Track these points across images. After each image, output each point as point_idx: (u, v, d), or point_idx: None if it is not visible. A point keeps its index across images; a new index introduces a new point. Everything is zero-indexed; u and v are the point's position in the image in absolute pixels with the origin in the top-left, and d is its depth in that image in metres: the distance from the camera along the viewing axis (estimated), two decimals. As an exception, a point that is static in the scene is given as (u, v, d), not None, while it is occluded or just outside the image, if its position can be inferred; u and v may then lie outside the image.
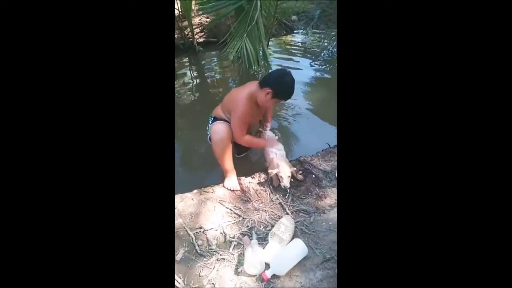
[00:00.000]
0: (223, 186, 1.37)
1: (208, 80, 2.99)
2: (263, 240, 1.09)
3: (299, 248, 0.99)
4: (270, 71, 1.37)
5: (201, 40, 3.50)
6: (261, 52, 2.18)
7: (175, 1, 3.04)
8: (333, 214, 1.17)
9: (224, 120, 1.37)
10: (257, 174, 1.46)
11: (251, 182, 1.41)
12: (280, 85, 1.23)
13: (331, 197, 1.27)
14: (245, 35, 1.83)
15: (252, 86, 1.30)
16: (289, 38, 4.21)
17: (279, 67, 2.76)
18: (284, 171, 1.28)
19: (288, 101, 2.31)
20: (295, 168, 1.35)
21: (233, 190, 1.35)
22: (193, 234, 1.12)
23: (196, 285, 0.95)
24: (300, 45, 3.96)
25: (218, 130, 1.31)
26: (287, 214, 1.19)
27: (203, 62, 3.27)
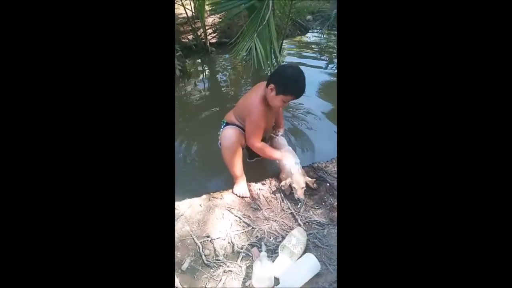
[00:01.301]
0: (232, 192, 1.33)
1: (221, 81, 2.96)
2: (272, 253, 1.03)
3: (311, 264, 0.93)
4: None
5: (214, 41, 3.48)
6: (273, 53, 2.12)
7: (190, 2, 3.03)
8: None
9: (236, 125, 1.32)
10: (268, 181, 1.40)
11: (262, 189, 1.35)
12: (282, 78, 1.15)
13: (346, 208, 1.19)
14: (255, 35, 1.78)
15: (261, 88, 1.24)
16: (303, 38, 4.12)
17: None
18: (297, 181, 1.22)
19: (302, 102, 2.28)
20: (309, 178, 1.27)
21: (242, 197, 1.30)
22: (200, 243, 1.08)
23: (202, 299, 0.90)
24: (315, 46, 3.86)
25: (227, 135, 1.26)
26: (299, 225, 1.13)
27: (216, 68, 3.25)
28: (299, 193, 1.21)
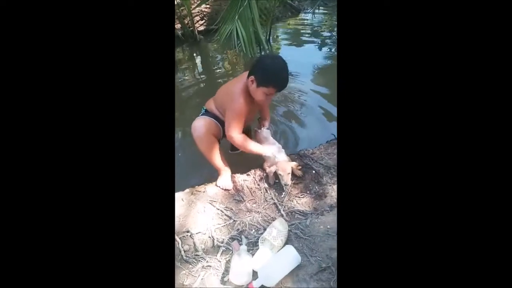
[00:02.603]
0: (216, 184, 1.28)
1: (212, 68, 2.86)
2: (254, 245, 0.99)
3: (290, 256, 0.88)
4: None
5: (201, 28, 3.36)
6: (264, 36, 2.01)
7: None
8: (332, 216, 1.04)
9: (216, 115, 1.25)
10: (253, 171, 1.35)
11: (246, 180, 1.30)
12: (262, 69, 1.07)
13: (331, 196, 1.14)
14: (236, 17, 1.67)
15: (244, 77, 1.17)
16: (295, 20, 3.96)
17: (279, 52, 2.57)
18: (283, 167, 1.17)
19: (293, 87, 2.20)
20: (294, 163, 1.22)
21: (226, 189, 1.26)
22: (180, 238, 1.05)
23: (179, 296, 0.88)
24: (307, 27, 3.71)
25: (196, 126, 1.20)
26: (282, 215, 1.09)
27: (208, 55, 3.14)
28: (286, 179, 1.17)
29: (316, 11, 3.35)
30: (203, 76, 2.73)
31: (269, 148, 1.25)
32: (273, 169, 1.19)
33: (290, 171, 1.18)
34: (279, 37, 3.43)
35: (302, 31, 3.65)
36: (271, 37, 3.03)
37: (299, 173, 1.26)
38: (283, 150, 1.26)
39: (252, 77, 1.09)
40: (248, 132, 1.49)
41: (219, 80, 2.56)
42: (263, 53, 2.38)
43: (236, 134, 1.17)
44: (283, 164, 1.18)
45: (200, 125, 1.19)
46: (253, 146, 1.24)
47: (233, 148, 1.57)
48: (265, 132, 1.39)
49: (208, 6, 3.40)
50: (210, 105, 1.30)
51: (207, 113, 1.28)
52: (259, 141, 1.37)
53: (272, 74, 1.07)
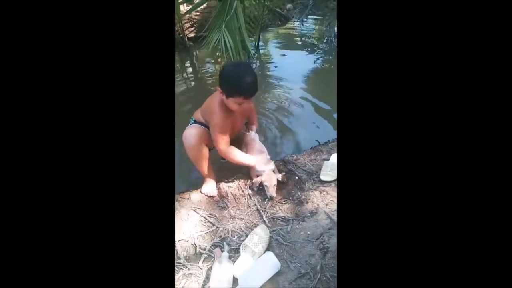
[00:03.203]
0: (200, 191, 1.29)
1: (202, 75, 2.88)
2: (236, 252, 1.00)
3: (270, 263, 0.90)
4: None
5: (191, 35, 3.38)
6: (252, 44, 2.05)
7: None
8: (312, 222, 1.06)
9: (204, 124, 1.25)
10: (238, 178, 1.36)
11: (230, 187, 1.31)
12: (224, 79, 1.06)
13: (313, 202, 1.16)
14: (223, 26, 1.70)
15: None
16: (284, 28, 4.03)
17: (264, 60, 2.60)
18: (269, 179, 1.18)
19: (281, 94, 2.23)
20: (280, 175, 1.23)
21: (210, 196, 1.26)
22: (162, 246, 1.04)
23: (159, 305, 0.87)
24: (296, 35, 3.78)
25: (188, 135, 1.20)
26: (264, 222, 1.10)
27: (198, 61, 3.16)
28: (271, 191, 1.18)
29: (305, 19, 3.42)
30: (193, 82, 2.75)
31: (258, 159, 1.25)
32: (259, 179, 1.20)
33: (275, 183, 1.19)
34: (269, 44, 3.49)
35: (291, 38, 3.73)
36: (259, 45, 3.07)
37: (284, 180, 1.27)
38: (271, 161, 1.27)
39: (219, 89, 1.10)
40: (239, 139, 1.50)
41: (209, 83, 2.58)
42: (251, 60, 2.41)
43: (223, 148, 1.18)
44: (269, 175, 1.19)
45: (192, 134, 1.19)
46: (242, 158, 1.24)
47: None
48: (252, 134, 1.41)
49: (198, 13, 3.43)
50: (198, 115, 1.30)
51: (196, 123, 1.28)
52: (247, 143, 1.38)
53: (236, 83, 1.03)
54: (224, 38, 1.72)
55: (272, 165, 1.24)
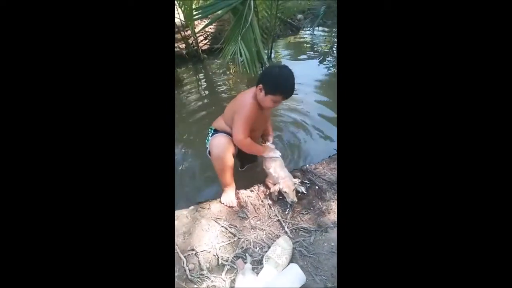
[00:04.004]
0: (220, 201, 1.29)
1: (216, 88, 2.93)
2: (258, 264, 0.99)
3: (295, 275, 0.88)
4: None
5: (205, 47, 3.48)
6: (266, 54, 2.08)
7: (176, 10, 3.04)
8: (336, 233, 1.04)
9: (226, 132, 1.27)
10: (257, 187, 1.36)
11: (250, 196, 1.31)
12: (269, 78, 1.13)
13: (335, 212, 1.14)
14: (239, 38, 1.75)
15: (253, 90, 1.21)
16: (295, 38, 4.08)
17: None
18: (287, 184, 1.18)
19: (295, 103, 2.24)
20: (297, 180, 1.23)
21: (230, 206, 1.27)
22: (185, 257, 1.05)
23: (184, 317, 0.87)
24: (307, 45, 3.82)
25: (218, 143, 1.21)
26: (286, 232, 1.09)
27: (210, 73, 3.23)
28: (292, 196, 1.17)
29: (316, 28, 3.46)
30: (207, 92, 2.81)
31: (267, 147, 1.31)
32: (277, 187, 1.20)
33: (294, 187, 1.19)
34: (280, 54, 3.53)
35: (302, 48, 3.76)
36: (272, 54, 3.12)
37: (302, 189, 1.26)
38: (285, 169, 1.28)
39: (260, 86, 1.14)
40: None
41: (223, 95, 2.62)
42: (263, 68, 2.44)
43: (243, 137, 1.19)
44: (287, 181, 1.19)
45: (221, 142, 1.20)
46: (259, 149, 1.30)
47: (242, 165, 1.59)
48: (269, 146, 1.42)
49: (211, 26, 3.53)
50: (219, 123, 1.32)
51: (216, 132, 1.30)
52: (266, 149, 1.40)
53: (279, 82, 1.12)
54: (240, 49, 1.76)
55: (286, 171, 1.25)
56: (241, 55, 1.78)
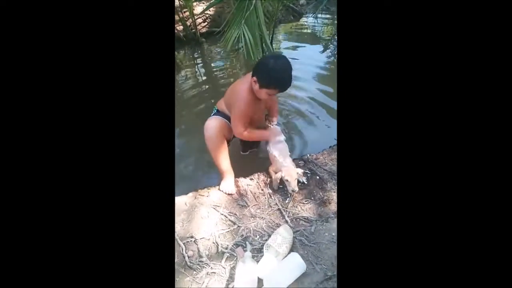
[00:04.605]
0: (219, 189, 1.28)
1: (215, 71, 2.85)
2: (258, 252, 0.99)
3: (296, 264, 0.88)
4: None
5: (204, 30, 3.36)
6: (263, 41, 2.01)
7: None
8: (336, 223, 1.04)
9: (226, 115, 1.26)
10: (256, 175, 1.35)
11: (249, 185, 1.30)
12: (264, 70, 1.06)
13: (336, 202, 1.14)
14: (243, 22, 1.67)
15: (249, 77, 1.17)
16: (297, 23, 3.97)
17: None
18: (289, 173, 1.16)
19: (295, 91, 2.20)
20: (301, 170, 1.21)
21: (229, 194, 1.25)
22: (184, 244, 1.04)
23: (184, 303, 0.87)
24: (309, 31, 3.72)
25: (209, 126, 1.21)
26: (286, 222, 1.08)
27: (208, 58, 3.14)
28: (293, 185, 1.16)
29: (319, 15, 3.36)
30: (204, 77, 2.73)
31: (275, 134, 1.30)
32: (279, 175, 1.19)
33: (296, 177, 1.17)
34: (281, 40, 3.44)
35: (304, 34, 3.67)
36: (273, 40, 3.03)
37: (303, 179, 1.25)
38: (289, 155, 1.26)
39: (254, 78, 1.10)
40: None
41: (221, 81, 2.56)
42: (265, 54, 2.37)
43: (242, 131, 1.20)
44: (289, 170, 1.18)
45: (213, 125, 1.21)
46: (262, 134, 1.33)
47: (245, 149, 1.57)
48: (274, 128, 1.39)
49: (210, 8, 3.40)
50: (221, 105, 1.31)
51: (219, 113, 1.30)
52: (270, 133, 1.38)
53: (274, 75, 1.05)
54: (244, 34, 1.69)
55: (289, 160, 1.23)
56: (244, 40, 1.70)
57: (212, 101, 2.10)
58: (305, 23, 3.97)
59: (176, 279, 0.93)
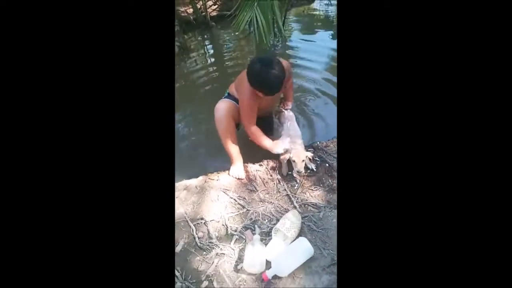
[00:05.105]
0: (228, 173, 1.29)
1: (224, 55, 2.81)
2: (266, 235, 1.01)
3: (304, 248, 0.90)
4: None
5: (214, 14, 3.28)
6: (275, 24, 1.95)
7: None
8: (345, 210, 1.05)
9: (236, 98, 1.26)
10: (266, 161, 1.35)
11: (259, 170, 1.31)
12: (251, 72, 1.07)
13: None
14: (255, 4, 1.62)
15: None
16: (310, 7, 3.83)
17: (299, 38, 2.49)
18: (298, 154, 1.17)
19: (306, 75, 2.15)
20: (310, 153, 1.21)
21: (238, 179, 1.27)
22: (194, 225, 1.07)
23: (194, 280, 0.90)
24: (323, 15, 3.59)
25: (219, 108, 1.22)
26: (295, 207, 1.09)
27: (218, 40, 3.08)
28: (299, 166, 1.16)
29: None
30: (214, 61, 2.71)
31: (281, 144, 1.23)
32: (287, 156, 1.19)
33: (304, 158, 1.17)
34: (292, 25, 3.34)
35: (316, 19, 3.55)
36: (285, 23, 2.95)
37: (312, 165, 1.25)
38: (301, 138, 1.26)
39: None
40: (270, 117, 1.50)
41: (230, 64, 2.52)
42: (277, 40, 2.31)
43: (248, 128, 1.21)
44: (297, 151, 1.19)
45: (223, 107, 1.22)
46: (265, 142, 1.24)
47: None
48: (287, 112, 1.39)
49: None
50: (232, 89, 1.32)
51: (230, 96, 1.30)
52: (282, 122, 1.37)
53: (260, 80, 1.06)
54: (256, 17, 1.64)
55: (300, 143, 1.23)
56: (257, 23, 1.66)
57: (215, 85, 2.09)
58: (318, 7, 3.83)
59: (187, 258, 0.97)
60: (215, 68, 2.56)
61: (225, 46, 3.01)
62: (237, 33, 2.68)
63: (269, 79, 1.04)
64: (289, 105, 1.44)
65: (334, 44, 2.83)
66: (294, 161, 1.17)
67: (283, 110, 1.42)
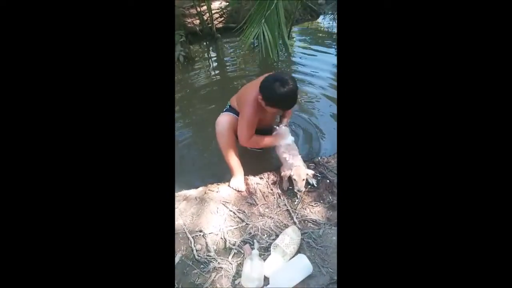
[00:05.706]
0: (228, 185, 1.29)
1: (226, 68, 2.86)
2: (265, 251, 1.00)
3: (302, 265, 0.89)
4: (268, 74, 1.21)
5: (220, 26, 3.36)
6: (280, 40, 2.00)
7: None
8: (345, 228, 1.04)
9: (237, 111, 1.28)
10: (266, 175, 1.35)
11: (259, 184, 1.31)
12: (269, 91, 1.09)
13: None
14: (263, 20, 1.67)
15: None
16: (315, 23, 3.93)
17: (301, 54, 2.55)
18: (298, 172, 1.17)
19: (307, 98, 2.18)
20: (311, 171, 1.22)
21: (238, 191, 1.27)
22: (193, 237, 1.06)
23: (190, 294, 0.89)
24: (327, 31, 3.68)
25: (220, 121, 1.24)
26: (294, 223, 1.09)
27: (224, 52, 3.14)
28: (300, 185, 1.16)
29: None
30: (217, 72, 2.75)
31: (281, 136, 1.28)
32: (288, 173, 1.20)
33: (304, 177, 1.18)
34: (296, 40, 3.41)
35: (321, 34, 3.63)
36: (289, 39, 3.01)
37: (313, 181, 1.26)
38: (299, 156, 1.26)
39: (260, 96, 1.12)
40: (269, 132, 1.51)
41: (233, 76, 2.55)
42: (282, 53, 2.35)
43: (247, 139, 1.22)
44: (298, 169, 1.18)
45: (224, 120, 1.24)
46: (267, 140, 1.30)
47: None
48: (283, 129, 1.39)
49: (228, 3, 3.40)
50: (234, 101, 1.33)
51: (231, 109, 1.32)
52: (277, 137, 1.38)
53: (278, 97, 1.08)
54: (263, 33, 1.69)
55: (300, 160, 1.23)
56: (264, 38, 1.70)
57: (217, 96, 2.09)
58: (322, 23, 3.93)
59: (184, 271, 0.96)
60: (218, 78, 2.59)
61: (230, 58, 3.06)
62: (242, 46, 2.74)
63: (290, 94, 1.08)
64: (285, 121, 1.44)
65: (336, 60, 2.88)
66: (294, 179, 1.17)
67: (278, 127, 1.41)
